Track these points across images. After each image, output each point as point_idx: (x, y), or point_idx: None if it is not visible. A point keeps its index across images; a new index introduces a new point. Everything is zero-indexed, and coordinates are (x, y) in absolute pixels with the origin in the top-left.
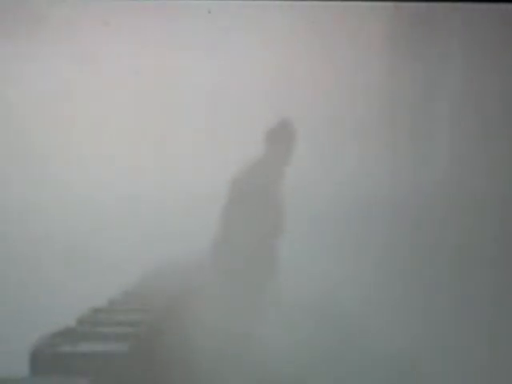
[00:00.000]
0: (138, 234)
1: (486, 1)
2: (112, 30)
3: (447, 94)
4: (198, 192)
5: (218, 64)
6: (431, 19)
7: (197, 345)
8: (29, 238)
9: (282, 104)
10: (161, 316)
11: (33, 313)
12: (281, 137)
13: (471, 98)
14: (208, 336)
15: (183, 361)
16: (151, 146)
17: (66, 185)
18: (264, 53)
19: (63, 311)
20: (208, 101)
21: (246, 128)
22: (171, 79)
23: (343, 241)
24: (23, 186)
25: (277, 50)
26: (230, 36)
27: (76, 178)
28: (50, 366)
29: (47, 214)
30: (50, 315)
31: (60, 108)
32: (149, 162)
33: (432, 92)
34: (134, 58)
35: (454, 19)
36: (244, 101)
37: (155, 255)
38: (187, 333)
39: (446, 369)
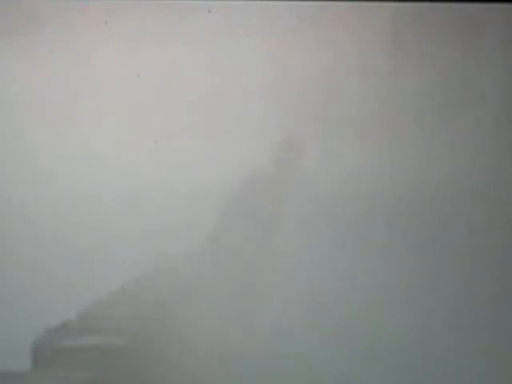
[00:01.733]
0: (138, 233)
1: (487, 1)
2: (112, 30)
3: (448, 93)
4: (198, 192)
5: (218, 63)
6: (433, 19)
7: (195, 339)
8: (29, 237)
9: (282, 104)
10: (159, 312)
11: (33, 309)
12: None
13: (472, 97)
14: (206, 333)
15: (181, 355)
16: (151, 146)
17: (66, 184)
18: (264, 53)
19: (64, 307)
20: (208, 100)
21: (246, 128)
22: (171, 79)
23: (343, 240)
24: (22, 185)
25: (277, 50)
26: (230, 36)
27: (75, 178)
28: (50, 360)
29: (47, 213)
30: (51, 311)
31: (59, 107)
32: (149, 161)
33: (433, 92)
34: (133, 57)
35: (456, 19)
36: (244, 100)
37: (155, 253)
38: (185, 329)
39: (446, 369)
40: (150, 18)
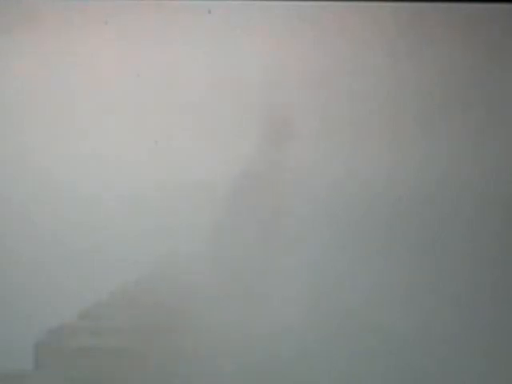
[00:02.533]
0: (139, 233)
1: (487, 1)
2: (112, 30)
3: (448, 93)
4: (198, 192)
5: (218, 64)
6: (433, 19)
7: (194, 339)
8: (29, 237)
9: (283, 104)
10: (160, 312)
11: (33, 309)
12: (277, 135)
13: (472, 97)
14: (205, 332)
15: (181, 356)
16: (151, 146)
17: (66, 184)
18: (264, 53)
19: (64, 307)
20: (208, 100)
21: (246, 128)
22: (171, 79)
23: (343, 240)
24: (22, 185)
25: (277, 50)
26: (230, 36)
27: (75, 178)
28: (50, 361)
29: (47, 213)
30: (51, 311)
31: (59, 107)
32: (149, 161)
33: (433, 92)
34: (133, 57)
35: (456, 19)
36: (244, 101)
37: (155, 254)
38: (185, 329)
39: (446, 369)
40: (150, 18)
